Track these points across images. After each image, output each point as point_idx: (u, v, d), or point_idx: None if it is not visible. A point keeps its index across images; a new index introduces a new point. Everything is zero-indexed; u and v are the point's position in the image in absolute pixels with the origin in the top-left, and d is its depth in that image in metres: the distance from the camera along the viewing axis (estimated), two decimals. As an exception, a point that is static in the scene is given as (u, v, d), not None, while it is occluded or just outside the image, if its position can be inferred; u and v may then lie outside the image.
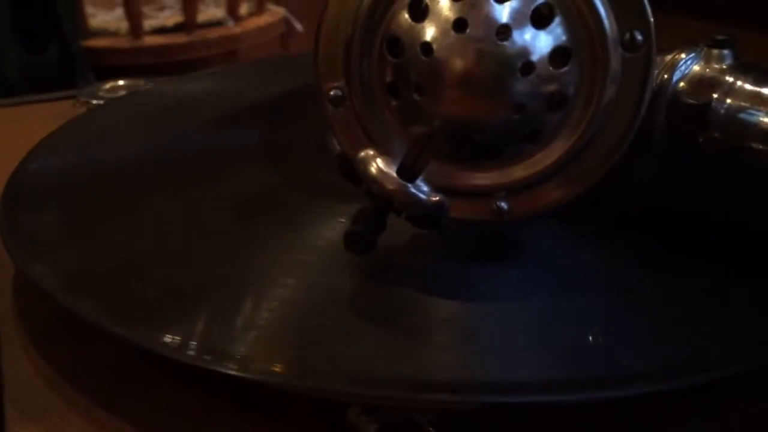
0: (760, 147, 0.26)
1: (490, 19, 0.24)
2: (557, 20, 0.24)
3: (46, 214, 0.33)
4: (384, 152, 0.26)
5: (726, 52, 0.28)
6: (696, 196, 0.32)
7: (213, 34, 1.35)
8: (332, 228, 0.30)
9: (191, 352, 0.25)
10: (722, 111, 0.27)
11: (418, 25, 0.25)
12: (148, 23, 1.35)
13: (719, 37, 0.28)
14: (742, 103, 0.27)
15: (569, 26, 0.24)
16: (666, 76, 0.28)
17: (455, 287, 0.28)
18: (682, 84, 0.28)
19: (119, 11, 1.35)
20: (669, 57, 0.28)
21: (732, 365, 0.24)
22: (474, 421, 0.26)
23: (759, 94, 0.26)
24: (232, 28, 1.37)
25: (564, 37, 0.24)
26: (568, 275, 0.28)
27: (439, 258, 0.30)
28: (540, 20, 0.24)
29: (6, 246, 0.31)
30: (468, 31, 0.24)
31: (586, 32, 0.24)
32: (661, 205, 0.32)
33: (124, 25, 1.33)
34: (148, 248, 0.31)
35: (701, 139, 0.28)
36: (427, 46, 0.25)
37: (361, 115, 0.26)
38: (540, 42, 0.24)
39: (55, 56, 1.28)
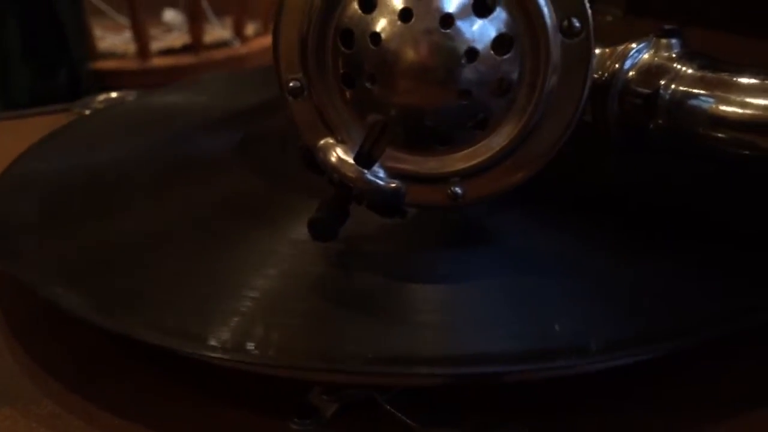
0: (705, 131, 0.27)
1: (434, 9, 0.25)
2: (498, 9, 0.25)
3: (29, 215, 0.35)
4: (343, 141, 0.27)
5: (674, 41, 0.29)
6: (653, 184, 0.33)
7: (220, 54, 1.37)
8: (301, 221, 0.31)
9: (168, 337, 0.26)
10: (667, 97, 0.28)
11: (368, 16, 0.26)
12: (156, 45, 1.38)
13: (667, 27, 0.29)
14: (687, 89, 0.27)
15: (510, 15, 0.25)
16: (617, 65, 0.29)
17: (421, 272, 0.29)
18: (631, 73, 0.29)
19: (127, 34, 1.38)
20: (620, 48, 0.29)
21: (689, 335, 0.25)
22: (432, 401, 0.26)
23: (703, 79, 0.27)
24: (239, 49, 1.40)
25: (506, 25, 0.25)
26: (530, 258, 0.29)
27: (406, 245, 0.31)
28: (482, 9, 0.25)
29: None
30: (413, 20, 0.25)
31: (527, 20, 0.25)
32: (619, 194, 0.32)
33: (132, 48, 1.35)
34: (128, 244, 0.32)
35: (651, 126, 0.29)
36: (376, 36, 0.26)
37: (319, 106, 0.27)
38: (483, 30, 0.25)
39: (64, 79, 1.30)
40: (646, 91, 0.28)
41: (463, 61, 0.25)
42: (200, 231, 0.32)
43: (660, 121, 0.28)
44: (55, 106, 0.58)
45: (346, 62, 0.27)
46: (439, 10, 0.25)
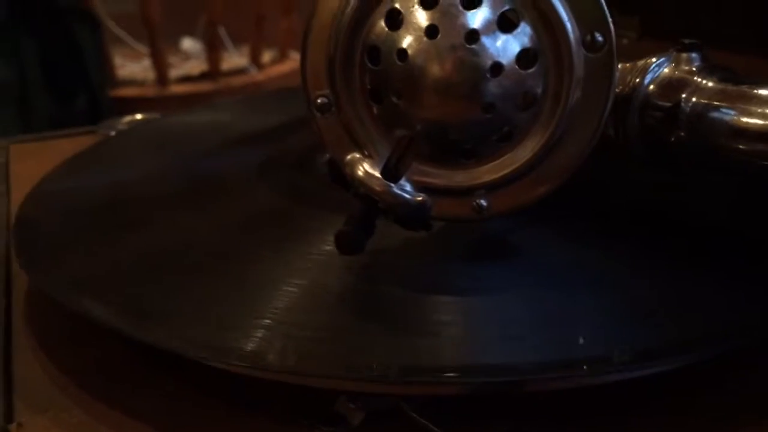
0: (726, 143, 0.27)
1: (459, 25, 0.26)
2: (522, 24, 0.26)
3: (58, 230, 0.35)
4: (369, 156, 0.28)
5: (694, 55, 0.29)
6: (672, 198, 0.33)
7: (237, 81, 1.39)
8: (329, 236, 0.32)
9: (196, 349, 0.26)
10: (688, 110, 0.28)
11: (395, 34, 0.27)
12: (174, 72, 1.40)
13: (687, 41, 0.29)
14: (708, 101, 0.28)
15: (534, 30, 0.26)
16: (638, 80, 0.30)
17: (444, 285, 0.29)
18: (652, 87, 0.29)
19: (146, 62, 1.40)
20: (641, 62, 0.30)
21: (712, 345, 0.25)
22: (457, 410, 0.27)
23: (723, 91, 0.28)
24: (256, 76, 1.41)
25: (530, 40, 0.26)
26: (551, 271, 0.29)
27: (430, 259, 0.31)
28: (507, 25, 0.26)
29: (18, 257, 0.33)
30: (439, 37, 0.26)
31: (551, 35, 0.26)
32: (638, 209, 0.33)
33: (151, 75, 1.37)
34: (154, 258, 0.33)
35: (672, 139, 0.29)
36: (402, 52, 0.26)
37: (346, 121, 0.28)
38: (507, 45, 0.26)
39: (84, 106, 1.32)
40: (667, 104, 0.29)
41: (488, 76, 0.26)
42: (225, 246, 0.33)
43: (681, 134, 0.29)
44: (80, 128, 0.60)
45: (373, 78, 0.27)
46: (465, 26, 0.26)
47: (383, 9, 0.27)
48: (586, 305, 0.28)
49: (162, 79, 1.34)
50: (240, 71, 1.43)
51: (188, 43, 1.53)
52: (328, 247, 0.31)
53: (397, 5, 0.27)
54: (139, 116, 0.56)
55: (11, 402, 0.29)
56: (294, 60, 1.48)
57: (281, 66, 1.45)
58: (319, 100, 0.28)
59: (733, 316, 0.26)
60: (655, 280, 0.29)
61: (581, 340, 0.26)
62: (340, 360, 0.26)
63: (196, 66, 1.44)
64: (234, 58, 1.44)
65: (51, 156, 0.50)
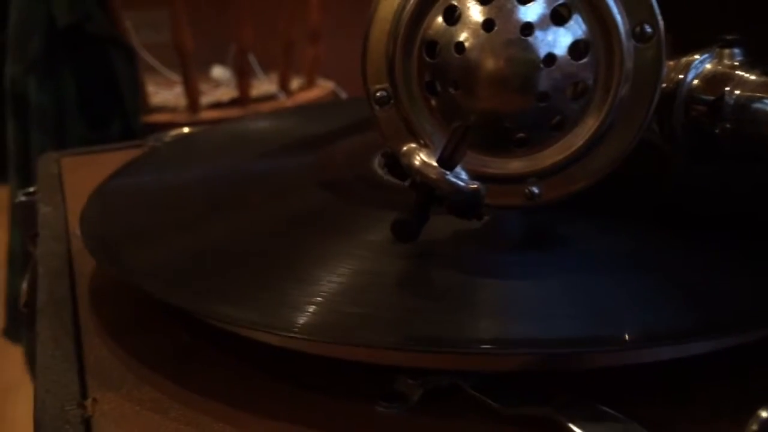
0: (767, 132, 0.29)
1: (514, 19, 0.27)
2: (575, 17, 0.27)
3: (125, 225, 0.37)
4: (426, 146, 0.30)
5: (736, 50, 0.31)
6: (710, 192, 0.34)
7: (266, 107, 1.41)
8: (378, 230, 0.33)
9: (258, 327, 0.28)
10: (732, 102, 0.29)
11: (452, 28, 0.28)
12: (205, 99, 1.43)
13: (729, 37, 0.31)
14: (750, 93, 0.29)
15: (586, 22, 0.28)
16: (681, 76, 0.31)
17: (492, 270, 0.30)
18: (696, 82, 0.31)
19: (178, 89, 1.43)
20: (684, 59, 0.31)
21: (753, 327, 0.26)
22: (512, 386, 0.28)
23: (765, 84, 0.29)
24: (284, 101, 1.44)
25: (581, 32, 0.28)
26: (592, 259, 0.31)
27: (476, 248, 0.32)
28: (559, 18, 0.27)
29: (87, 248, 0.35)
30: (495, 30, 0.27)
31: (601, 27, 0.27)
32: (676, 202, 0.34)
33: (182, 102, 1.40)
34: (215, 248, 0.34)
35: (717, 131, 0.30)
36: (460, 45, 0.28)
37: (404, 113, 0.30)
38: (560, 37, 0.27)
39: (117, 132, 1.35)
40: (711, 98, 0.30)
41: (541, 66, 0.27)
42: (280, 238, 0.34)
43: (726, 126, 0.30)
44: (128, 142, 0.62)
45: (430, 71, 0.29)
46: (520, 20, 0.27)
47: (441, 5, 0.28)
48: (626, 287, 0.28)
49: (193, 105, 1.37)
50: (269, 97, 1.45)
51: (219, 71, 1.57)
52: (373, 238, 0.32)
53: (454, 2, 0.28)
54: (185, 129, 0.58)
55: (85, 381, 0.30)
56: (321, 86, 1.51)
57: (309, 92, 1.48)
58: (378, 94, 0.30)
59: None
60: (694, 266, 0.29)
61: (624, 316, 0.27)
62: (399, 334, 0.27)
63: (227, 93, 1.47)
64: (263, 85, 1.47)
65: (101, 168, 0.52)
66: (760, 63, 0.30)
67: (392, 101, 0.30)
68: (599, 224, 0.33)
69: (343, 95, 1.48)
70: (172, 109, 1.43)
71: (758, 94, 0.29)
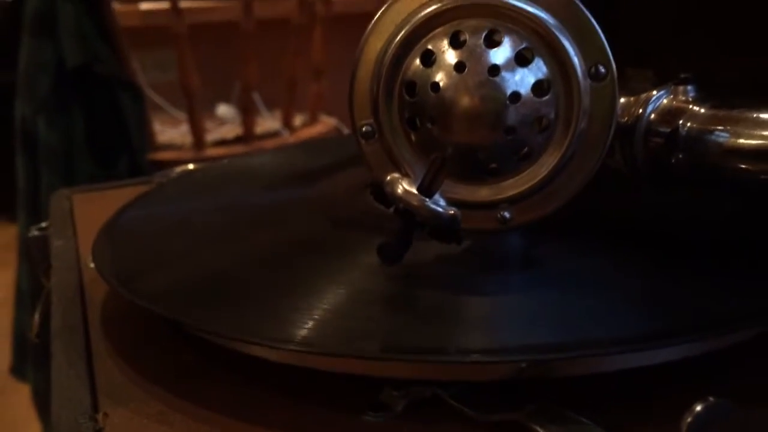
0: (719, 161, 0.32)
1: (483, 61, 0.30)
2: (537, 59, 0.31)
3: (132, 250, 0.40)
4: (407, 175, 0.32)
5: (689, 87, 0.34)
6: (676, 218, 0.37)
7: (270, 144, 1.45)
8: (370, 254, 0.36)
9: (260, 342, 0.30)
10: (685, 133, 0.32)
11: (429, 70, 0.31)
12: (211, 137, 1.46)
13: (683, 75, 0.34)
14: (701, 125, 0.32)
15: (547, 64, 0.31)
16: (641, 110, 0.34)
17: (471, 290, 0.33)
18: (653, 116, 0.34)
19: (184, 127, 1.47)
20: (643, 95, 0.34)
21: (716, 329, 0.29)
22: (488, 395, 0.30)
23: (714, 116, 0.32)
24: (287, 138, 1.47)
25: (543, 73, 0.31)
26: (568, 278, 0.33)
27: (460, 269, 0.35)
28: (523, 60, 0.30)
29: (100, 273, 0.38)
30: (466, 71, 0.30)
31: (560, 68, 0.30)
32: (646, 229, 0.37)
33: (188, 140, 1.44)
34: (218, 273, 0.37)
35: (673, 161, 0.33)
36: (435, 85, 0.31)
37: (387, 146, 0.33)
38: (524, 77, 0.30)
39: (125, 169, 1.38)
40: (667, 130, 0.33)
41: (507, 103, 0.30)
42: (281, 261, 0.37)
43: (680, 156, 0.33)
44: (136, 179, 0.65)
45: (410, 108, 0.32)
46: (488, 62, 0.30)
47: (419, 50, 0.32)
48: (600, 302, 0.31)
49: (199, 143, 1.40)
50: (273, 134, 1.49)
51: (223, 109, 1.61)
52: (369, 260, 0.35)
53: (430, 47, 0.32)
54: (191, 166, 0.61)
55: (96, 397, 0.33)
56: (324, 123, 1.54)
57: (312, 129, 1.51)
58: (364, 128, 0.33)
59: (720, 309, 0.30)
60: (666, 284, 0.32)
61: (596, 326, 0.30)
62: (384, 344, 0.30)
63: (231, 130, 1.51)
64: (267, 122, 1.51)
65: (110, 203, 0.55)
66: (710, 98, 0.33)
67: (377, 135, 0.33)
68: (574, 247, 0.35)
69: (346, 131, 1.52)
70: (178, 147, 1.46)
71: (708, 127, 0.32)
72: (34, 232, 0.56)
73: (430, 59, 0.31)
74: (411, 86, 0.32)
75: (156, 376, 0.34)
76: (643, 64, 0.56)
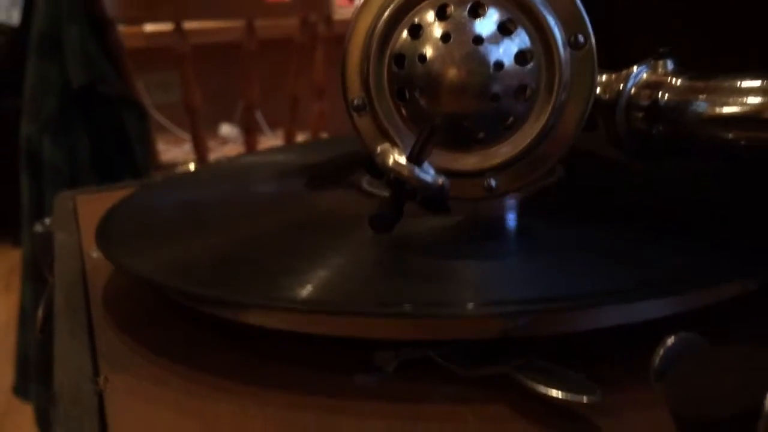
0: (696, 130, 0.33)
1: (468, 32, 0.32)
2: (519, 29, 0.32)
3: (134, 233, 0.41)
4: (397, 146, 0.34)
5: (668, 61, 0.35)
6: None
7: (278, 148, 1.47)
8: (365, 230, 0.37)
9: (256, 298, 0.31)
10: (663, 105, 0.34)
11: (416, 42, 0.33)
12: (214, 156, 1.48)
13: (662, 50, 0.35)
14: (679, 97, 0.33)
15: (529, 33, 0.32)
16: (621, 85, 0.35)
17: (459, 254, 0.34)
18: (634, 90, 0.35)
19: (187, 146, 1.49)
20: (624, 71, 0.36)
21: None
22: (476, 353, 0.31)
23: (691, 87, 0.33)
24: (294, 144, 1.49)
25: (525, 42, 0.32)
26: (550, 242, 0.34)
27: (448, 238, 0.36)
28: (506, 31, 0.32)
29: (103, 251, 0.39)
30: (451, 41, 0.32)
31: (542, 38, 0.32)
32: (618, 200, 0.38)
33: (191, 158, 1.46)
34: (223, 248, 0.38)
35: (654, 132, 0.35)
36: (422, 57, 0.32)
37: (378, 118, 0.34)
38: (507, 47, 0.32)
39: (129, 188, 1.40)
40: (646, 103, 0.35)
41: (492, 72, 0.32)
42: (277, 240, 0.38)
43: (660, 128, 0.34)
44: (137, 180, 0.66)
45: (399, 80, 0.33)
46: (472, 32, 0.32)
47: (407, 23, 0.33)
48: (579, 262, 0.32)
49: (201, 161, 1.42)
50: (275, 153, 1.51)
51: (226, 129, 1.63)
52: (363, 235, 0.36)
53: (417, 20, 0.33)
54: (191, 166, 0.62)
55: (97, 364, 0.34)
56: (325, 142, 1.56)
57: (314, 147, 1.53)
58: (355, 102, 0.34)
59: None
60: (643, 246, 0.33)
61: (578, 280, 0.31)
62: (377, 302, 0.31)
63: (234, 149, 1.53)
64: (269, 140, 1.53)
65: (113, 201, 0.56)
66: (687, 70, 0.35)
67: (367, 108, 0.34)
68: (552, 217, 0.37)
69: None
70: (181, 165, 1.48)
71: (685, 97, 0.33)
72: (38, 228, 0.58)
73: (417, 32, 0.33)
74: (399, 59, 0.33)
75: (155, 346, 0.35)
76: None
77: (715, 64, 0.34)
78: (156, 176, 0.62)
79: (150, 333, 0.36)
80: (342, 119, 0.37)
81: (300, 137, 1.53)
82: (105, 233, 0.40)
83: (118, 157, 1.40)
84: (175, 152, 1.54)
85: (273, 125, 1.58)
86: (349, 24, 0.34)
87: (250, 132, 1.45)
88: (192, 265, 0.36)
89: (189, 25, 1.38)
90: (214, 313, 0.34)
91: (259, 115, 1.48)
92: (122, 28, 1.41)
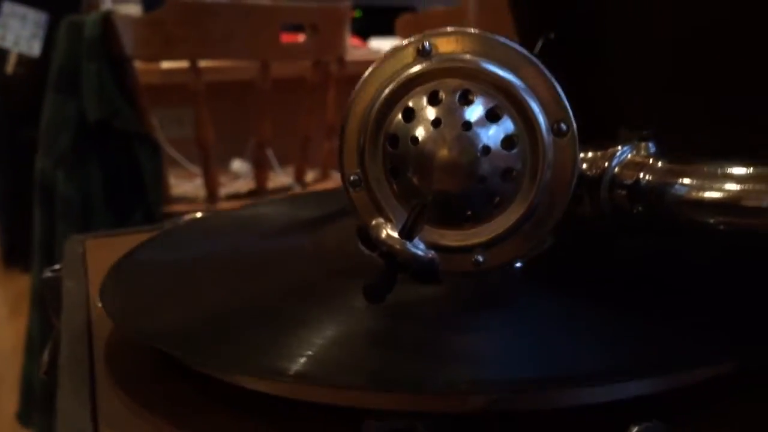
0: (675, 211, 0.34)
1: (457, 118, 0.34)
2: (505, 117, 0.34)
3: (137, 291, 0.43)
4: (390, 221, 0.35)
5: (650, 143, 0.37)
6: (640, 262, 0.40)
7: (282, 198, 1.49)
8: (358, 298, 0.39)
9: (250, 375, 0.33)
10: (643, 186, 0.35)
11: (409, 125, 0.35)
12: (224, 190, 1.51)
13: (645, 133, 0.37)
14: (658, 179, 0.35)
15: (514, 120, 0.34)
16: (606, 164, 0.37)
17: (452, 325, 0.35)
18: (617, 169, 0.37)
19: (198, 181, 1.51)
20: (610, 150, 0.37)
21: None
22: (460, 426, 0.32)
23: (671, 170, 0.35)
24: (299, 193, 1.51)
25: (511, 128, 0.34)
26: (539, 314, 0.36)
27: (442, 308, 0.38)
28: (493, 117, 0.34)
29: (106, 310, 0.41)
30: (442, 126, 0.34)
31: (527, 124, 0.34)
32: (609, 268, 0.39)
33: (202, 193, 1.48)
34: (217, 312, 0.39)
35: (635, 211, 0.36)
36: (415, 139, 0.34)
37: (372, 194, 0.36)
38: (494, 132, 0.34)
39: (139, 221, 1.42)
40: (629, 182, 0.36)
41: (479, 155, 0.33)
42: (275, 306, 0.40)
43: (640, 207, 0.36)
44: (147, 226, 0.68)
45: (392, 159, 0.35)
46: (461, 118, 0.34)
47: (401, 107, 0.35)
48: (571, 336, 0.33)
49: (212, 196, 1.45)
50: (285, 189, 1.53)
51: (238, 164, 1.65)
52: (357, 304, 0.38)
53: (410, 104, 0.35)
54: (198, 214, 0.64)
55: (98, 424, 0.36)
56: (335, 179, 1.59)
57: (323, 184, 1.56)
58: (351, 178, 0.36)
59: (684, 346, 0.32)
60: (629, 321, 0.34)
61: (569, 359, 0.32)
62: (367, 375, 0.32)
63: (244, 185, 1.55)
64: (280, 177, 1.55)
65: (121, 248, 0.58)
66: (669, 154, 0.36)
67: (363, 184, 0.36)
68: (544, 287, 0.38)
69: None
70: (192, 200, 1.50)
71: (664, 180, 0.35)
72: (48, 274, 0.59)
73: (410, 115, 0.35)
74: (394, 139, 0.35)
75: (155, 407, 0.37)
76: (636, 126, 0.59)
77: (705, 131, 0.36)
78: (166, 224, 0.63)
79: (151, 392, 0.38)
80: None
81: (310, 175, 1.55)
82: (108, 293, 0.42)
83: (131, 192, 1.43)
84: (186, 186, 1.56)
85: (283, 162, 1.60)
86: (348, 103, 0.36)
87: (260, 168, 1.48)
88: (189, 329, 0.37)
89: (204, 63, 1.41)
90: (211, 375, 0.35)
91: (270, 152, 1.50)
92: (139, 65, 1.44)
